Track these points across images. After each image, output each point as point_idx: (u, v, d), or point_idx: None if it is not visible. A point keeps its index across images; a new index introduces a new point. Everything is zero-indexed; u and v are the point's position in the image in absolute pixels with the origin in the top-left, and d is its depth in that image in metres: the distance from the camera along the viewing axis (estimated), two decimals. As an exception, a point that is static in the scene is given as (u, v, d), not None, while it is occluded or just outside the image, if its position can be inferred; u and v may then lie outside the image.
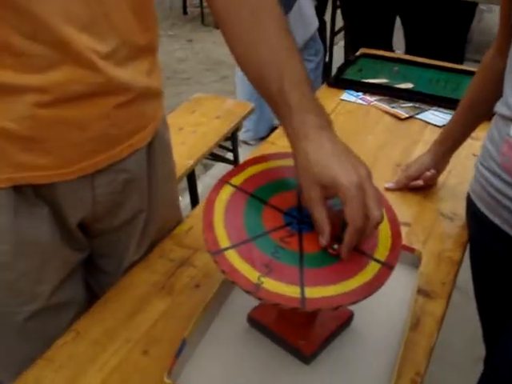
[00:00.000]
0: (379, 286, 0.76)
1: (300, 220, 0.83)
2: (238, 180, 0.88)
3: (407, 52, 2.78)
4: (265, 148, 1.46)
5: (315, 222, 0.79)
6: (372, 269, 0.78)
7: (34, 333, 0.98)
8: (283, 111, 0.82)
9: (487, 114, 1.14)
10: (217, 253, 0.76)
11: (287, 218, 0.84)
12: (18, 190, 0.86)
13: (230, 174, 0.89)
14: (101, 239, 1.05)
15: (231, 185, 0.87)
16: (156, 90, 0.98)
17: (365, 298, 0.75)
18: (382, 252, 0.81)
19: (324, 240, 0.78)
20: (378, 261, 0.79)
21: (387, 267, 0.79)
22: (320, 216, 0.77)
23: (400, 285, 1.00)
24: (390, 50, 2.82)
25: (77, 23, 0.77)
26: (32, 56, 0.76)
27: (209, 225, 0.80)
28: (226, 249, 0.77)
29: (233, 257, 0.76)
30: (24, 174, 0.85)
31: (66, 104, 0.82)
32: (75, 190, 0.92)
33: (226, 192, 0.85)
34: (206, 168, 3.18)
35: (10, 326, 0.96)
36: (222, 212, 0.82)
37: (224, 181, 0.87)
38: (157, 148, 1.04)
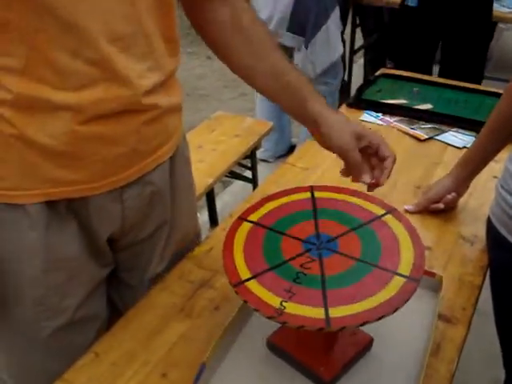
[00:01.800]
0: (405, 299, 0.76)
1: (319, 246, 0.84)
2: (255, 216, 0.91)
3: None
4: (285, 169, 1.46)
5: (354, 166, 0.95)
6: (396, 284, 0.78)
7: (58, 349, 1.00)
8: (304, 93, 0.99)
9: (511, 137, 1.13)
10: (238, 284, 0.78)
11: (306, 245, 0.85)
12: (50, 205, 0.89)
13: (248, 212, 0.92)
14: (126, 253, 1.08)
15: (249, 221, 0.89)
16: (177, 105, 1.02)
17: (390, 313, 0.74)
18: (405, 268, 0.81)
19: (367, 176, 0.95)
20: (401, 275, 0.79)
21: (412, 280, 0.78)
22: (358, 158, 0.95)
23: (420, 310, 0.99)
24: (430, 72, 2.85)
25: (118, 42, 0.81)
26: (72, 73, 0.79)
27: (229, 258, 0.82)
28: (247, 280, 0.78)
29: (254, 286, 0.77)
30: (57, 190, 0.88)
31: (101, 121, 0.85)
32: (105, 204, 0.95)
33: (244, 228, 0.88)
34: (225, 185, 3.19)
35: (36, 341, 0.99)
36: (241, 247, 0.84)
37: (242, 218, 0.90)
38: (178, 161, 1.08)
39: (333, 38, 2.87)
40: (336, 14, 2.84)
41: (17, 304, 0.96)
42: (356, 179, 0.97)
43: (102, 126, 0.86)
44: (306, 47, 2.81)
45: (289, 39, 2.82)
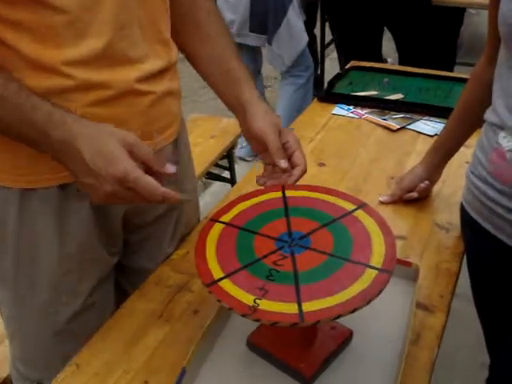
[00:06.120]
0: (378, 291, 0.76)
1: (291, 243, 0.84)
2: (227, 217, 0.91)
3: (400, 61, 2.79)
4: (261, 167, 1.44)
5: (273, 149, 0.99)
6: (369, 276, 0.78)
7: (71, 334, 1.05)
8: (239, 82, 1.07)
9: (479, 123, 1.14)
10: (211, 284, 0.78)
11: (278, 243, 0.85)
12: (62, 188, 0.94)
13: (219, 213, 0.92)
14: (137, 235, 1.14)
15: (220, 222, 0.90)
16: (177, 91, 1.09)
17: (363, 305, 0.75)
18: (377, 260, 0.81)
19: (284, 161, 0.98)
20: (373, 268, 0.80)
21: (384, 272, 0.79)
22: (278, 142, 0.99)
23: (398, 299, 1.00)
24: (380, 60, 2.83)
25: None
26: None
27: (202, 259, 0.82)
28: (220, 279, 0.79)
29: (227, 286, 0.77)
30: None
31: (113, 102, 0.92)
32: None
33: (216, 229, 0.89)
34: (205, 186, 3.19)
35: (53, 326, 1.04)
36: (213, 248, 0.84)
37: (213, 220, 0.90)
38: (180, 145, 1.16)
39: (295, 29, 2.92)
40: (294, 5, 2.89)
41: (33, 290, 1.01)
42: (273, 162, 1.00)
43: (114, 108, 0.93)
44: (270, 43, 2.87)
45: (253, 39, 2.92)
